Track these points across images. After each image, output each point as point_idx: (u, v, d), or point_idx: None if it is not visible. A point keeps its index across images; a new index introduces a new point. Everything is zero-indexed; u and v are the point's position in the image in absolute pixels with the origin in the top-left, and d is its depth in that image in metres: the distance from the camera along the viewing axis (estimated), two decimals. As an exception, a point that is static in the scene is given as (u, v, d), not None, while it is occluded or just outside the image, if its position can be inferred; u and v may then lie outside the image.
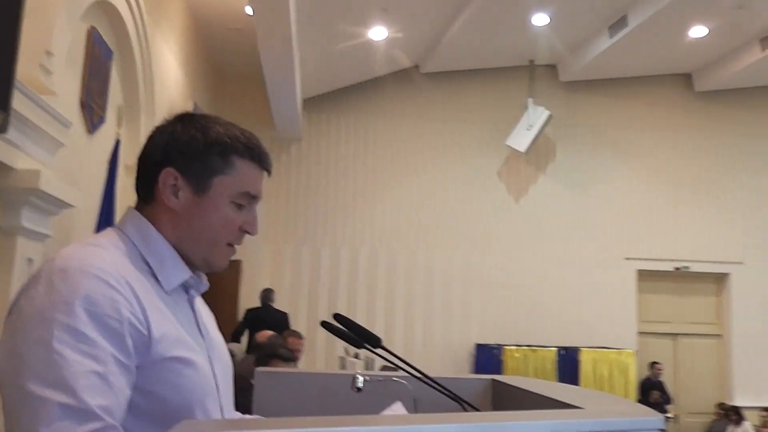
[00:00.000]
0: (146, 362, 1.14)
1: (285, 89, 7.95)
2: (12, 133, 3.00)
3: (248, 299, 9.14)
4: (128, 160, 5.29)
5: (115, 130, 4.90)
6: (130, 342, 1.12)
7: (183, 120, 1.34)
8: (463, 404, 1.32)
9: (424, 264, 10.21)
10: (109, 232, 1.30)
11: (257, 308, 8.43)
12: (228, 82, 9.68)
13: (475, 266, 10.27)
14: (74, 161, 4.24)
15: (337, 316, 1.51)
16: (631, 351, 10.01)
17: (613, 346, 10.09)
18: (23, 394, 1.04)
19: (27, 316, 1.10)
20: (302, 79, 8.63)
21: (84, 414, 1.03)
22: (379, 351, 1.37)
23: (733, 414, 9.81)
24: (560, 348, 9.87)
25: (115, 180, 4.47)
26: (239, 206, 1.32)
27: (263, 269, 9.69)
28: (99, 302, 1.10)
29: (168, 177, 1.28)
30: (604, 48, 9.55)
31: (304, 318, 9.69)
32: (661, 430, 0.85)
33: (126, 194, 5.07)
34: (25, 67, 3.16)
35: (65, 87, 3.95)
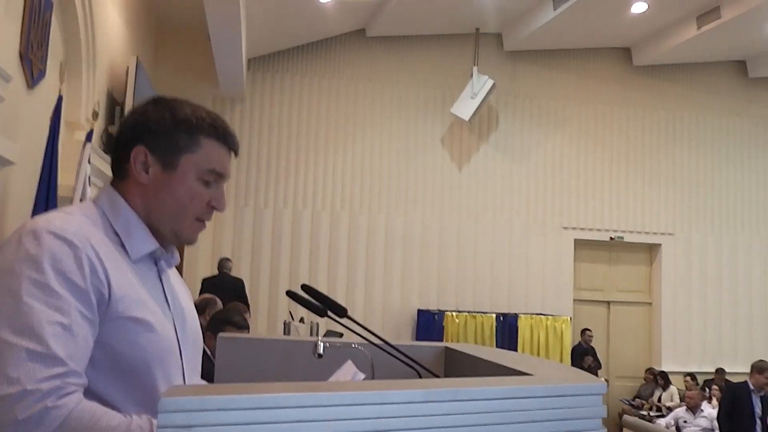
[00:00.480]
0: (105, 318, 1.23)
1: (230, 46, 7.81)
2: (-49, 87, 2.91)
3: (191, 261, 9.07)
4: (69, 116, 5.16)
5: (57, 85, 4.76)
6: (93, 298, 1.21)
7: (155, 102, 1.43)
8: (420, 370, 1.39)
9: (366, 227, 10.29)
10: (83, 204, 1.41)
11: (213, 277, 8.51)
12: (172, 38, 9.44)
13: (417, 231, 10.41)
14: (13, 116, 4.11)
15: (305, 287, 1.58)
16: (566, 318, 10.37)
17: (550, 312, 10.43)
18: None
19: None
20: (248, 37, 8.49)
21: (50, 359, 1.12)
22: (344, 321, 1.45)
23: (661, 379, 10.31)
24: (499, 314, 10.15)
25: (57, 136, 4.36)
26: (206, 183, 1.41)
27: (204, 232, 9.57)
28: (63, 260, 1.20)
29: (138, 153, 1.38)
30: (548, 19, 9.68)
31: (246, 280, 9.67)
32: (603, 394, 0.94)
33: (67, 150, 4.96)
34: (-36, 18, 3.05)
35: (3, 38, 3.82)
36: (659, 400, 10.07)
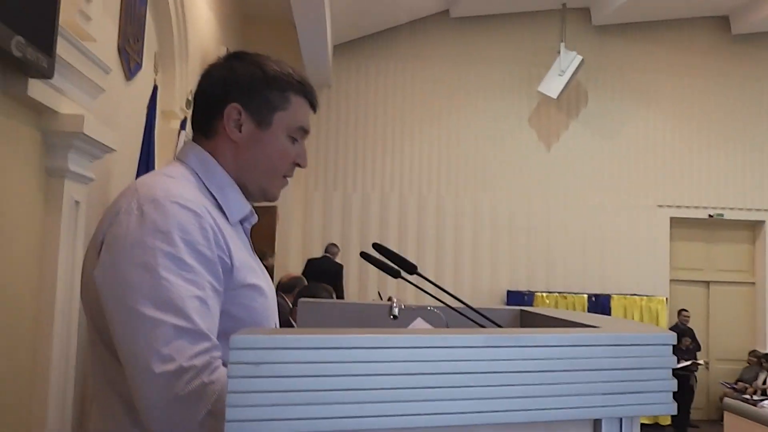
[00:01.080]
0: (228, 287, 1.23)
1: (316, 34, 7.94)
2: (56, 79, 3.09)
3: (280, 245, 9.30)
4: (164, 106, 5.40)
5: (152, 76, 4.99)
6: (219, 268, 1.21)
7: (239, 57, 1.41)
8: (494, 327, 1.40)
9: (454, 210, 10.26)
10: (175, 165, 1.38)
11: (317, 259, 8.84)
12: (259, 28, 9.67)
13: (505, 212, 10.30)
14: (113, 107, 4.34)
15: (376, 246, 1.61)
16: (662, 298, 10.05)
17: (645, 293, 10.13)
18: (137, 316, 1.10)
19: (126, 243, 1.16)
20: (332, 24, 8.59)
21: (196, 334, 1.11)
22: (415, 279, 1.47)
23: (765, 361, 9.85)
24: (591, 294, 9.94)
25: (153, 125, 4.58)
26: (293, 140, 1.42)
27: (294, 215, 9.82)
28: (191, 231, 1.18)
29: (232, 111, 1.36)
30: (639, -10, 9.33)
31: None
32: (673, 345, 0.93)
33: (162, 139, 5.20)
34: (65, 13, 3.23)
35: (103, 33, 4.02)
36: (764, 383, 9.62)
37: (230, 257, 1.24)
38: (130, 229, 1.17)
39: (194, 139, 1.42)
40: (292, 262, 9.06)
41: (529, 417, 0.84)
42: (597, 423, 0.90)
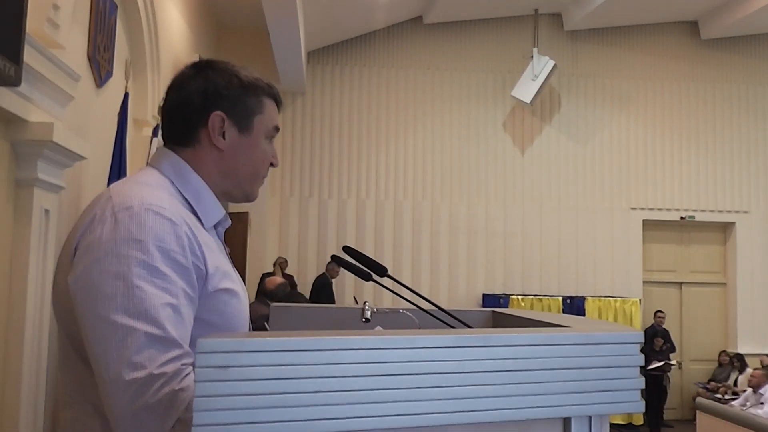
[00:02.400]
0: (203, 294, 1.23)
1: (289, 42, 7.92)
2: (24, 87, 3.06)
3: (255, 251, 9.27)
4: (136, 114, 5.35)
5: (123, 83, 4.95)
6: (194, 276, 1.21)
7: (210, 67, 1.42)
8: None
9: (430, 215, 10.29)
10: (149, 172, 1.37)
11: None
12: (231, 36, 9.64)
13: (480, 217, 10.35)
14: (83, 115, 4.30)
15: (346, 248, 1.61)
16: (635, 300, 10.15)
17: (619, 295, 10.24)
18: (110, 325, 1.10)
19: (100, 252, 1.16)
20: (306, 31, 8.59)
21: (167, 342, 1.11)
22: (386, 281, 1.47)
23: (737, 361, 9.99)
24: (566, 297, 10.02)
25: (125, 132, 4.54)
26: (269, 140, 1.45)
27: (270, 222, 9.79)
28: (166, 240, 1.18)
29: (216, 119, 1.38)
30: (609, -4, 9.44)
31: (313, 271, 9.84)
32: (640, 344, 0.93)
33: (134, 147, 5.15)
34: (33, 21, 3.20)
35: (72, 41, 3.99)
36: (735, 383, 9.76)
37: (205, 264, 1.24)
38: (104, 237, 1.17)
39: (169, 148, 1.42)
40: (267, 268, 9.02)
41: (499, 416, 0.84)
42: (567, 421, 0.90)
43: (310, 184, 10.19)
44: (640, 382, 0.91)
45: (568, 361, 0.88)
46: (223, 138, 1.38)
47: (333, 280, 9.22)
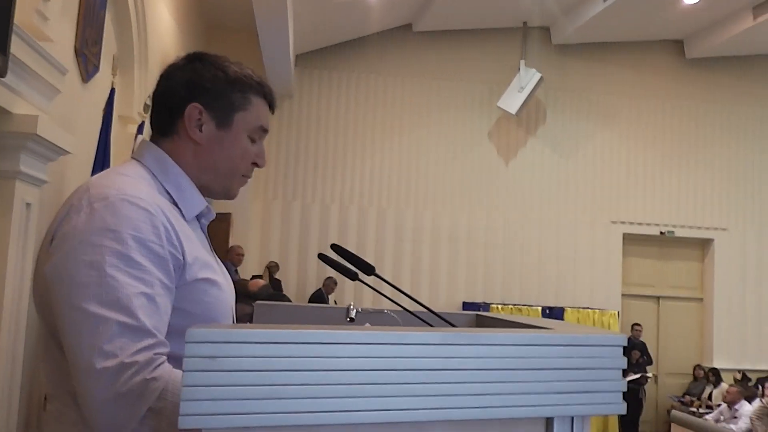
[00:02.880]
0: (180, 283, 1.23)
1: (278, 44, 7.92)
2: (10, 78, 3.03)
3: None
4: (121, 110, 5.31)
5: (109, 79, 4.92)
6: (171, 266, 1.20)
7: (200, 59, 1.42)
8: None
9: (413, 223, 10.31)
10: (131, 164, 1.37)
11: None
12: (221, 35, 9.62)
13: (463, 226, 10.39)
14: (69, 109, 4.26)
15: (334, 246, 1.61)
16: (614, 312, 10.23)
17: (598, 306, 10.31)
18: (82, 314, 1.10)
19: (75, 241, 1.16)
20: (295, 34, 8.59)
21: (140, 331, 1.11)
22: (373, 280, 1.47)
23: (712, 375, 10.09)
24: (545, 307, 10.07)
25: (110, 128, 4.51)
26: (253, 140, 1.43)
27: (253, 224, 9.76)
28: (142, 229, 1.18)
29: (194, 111, 1.37)
30: (597, 11, 9.54)
31: (294, 274, 9.82)
32: (623, 347, 0.95)
33: (119, 143, 5.11)
34: (22, 12, 3.17)
35: (61, 34, 3.96)
36: (710, 397, 9.85)
37: (183, 253, 1.23)
38: (79, 226, 1.17)
39: (152, 139, 1.42)
40: (251, 270, 8.99)
41: (483, 414, 0.85)
42: (549, 421, 0.91)
43: (293, 187, 10.17)
44: (623, 385, 0.92)
45: (552, 361, 0.89)
46: (200, 131, 1.37)
47: (330, 296, 9.19)
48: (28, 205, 3.41)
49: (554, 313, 10.02)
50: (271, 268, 9.23)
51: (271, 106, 1.47)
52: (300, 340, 0.77)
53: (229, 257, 8.17)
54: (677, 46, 11.16)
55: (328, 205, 10.19)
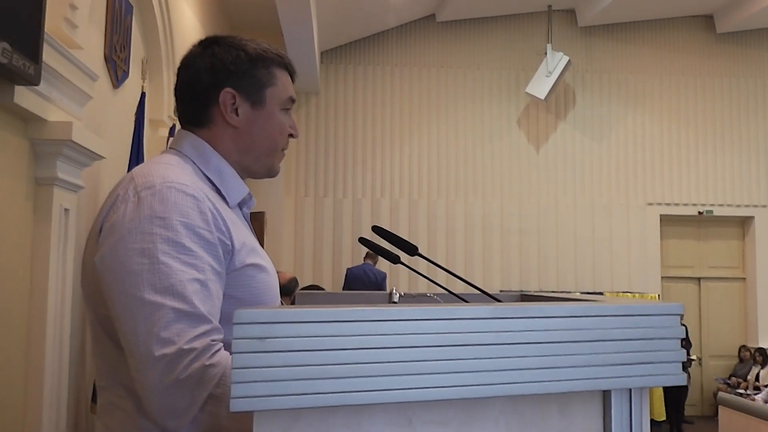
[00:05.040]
0: (230, 269, 1.22)
1: (303, 42, 7.93)
2: (43, 86, 3.07)
3: (271, 251, 9.28)
4: (152, 114, 5.36)
5: (139, 84, 4.97)
6: (220, 251, 1.20)
7: (216, 43, 1.41)
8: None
9: (445, 213, 10.27)
10: (170, 153, 1.37)
11: (357, 267, 8.96)
12: (245, 35, 9.56)
13: (496, 214, 10.31)
14: (100, 114, 4.31)
15: (376, 228, 1.61)
16: (653, 295, 10.07)
17: (637, 290, 10.16)
18: (137, 301, 1.10)
19: (124, 230, 1.16)
20: (319, 30, 8.60)
21: (196, 317, 1.11)
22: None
23: (759, 356, 9.88)
24: (583, 293, 9.95)
25: (142, 132, 4.55)
26: (285, 111, 1.42)
27: (286, 222, 9.80)
28: (191, 215, 1.18)
29: (227, 96, 1.36)
30: (623, -10, 9.38)
31: (329, 269, 9.84)
32: (681, 315, 0.92)
33: (150, 147, 5.17)
34: (51, 21, 3.22)
35: (89, 41, 4.01)
36: (757, 378, 9.66)
37: (231, 239, 1.23)
38: (128, 216, 1.17)
39: (187, 129, 1.41)
40: (283, 267, 9.04)
41: (538, 389, 0.83)
42: (606, 394, 0.89)
43: (324, 183, 10.19)
44: (682, 354, 0.89)
45: (607, 332, 0.86)
46: (236, 114, 1.36)
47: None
48: (66, 210, 3.46)
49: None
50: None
51: (292, 76, 1.46)
52: (349, 318, 0.75)
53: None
54: (707, 21, 10.93)
55: (360, 200, 10.19)
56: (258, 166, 1.41)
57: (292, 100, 1.44)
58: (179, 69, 1.42)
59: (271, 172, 1.45)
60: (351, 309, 0.76)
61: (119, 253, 1.14)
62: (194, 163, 1.34)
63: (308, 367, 0.74)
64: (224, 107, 1.36)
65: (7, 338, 3.02)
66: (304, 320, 0.74)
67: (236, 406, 0.72)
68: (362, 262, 8.91)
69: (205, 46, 1.41)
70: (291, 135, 1.44)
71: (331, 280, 9.78)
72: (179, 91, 1.42)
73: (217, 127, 1.37)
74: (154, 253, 1.12)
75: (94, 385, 3.84)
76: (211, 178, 1.34)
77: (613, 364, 0.86)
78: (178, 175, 1.23)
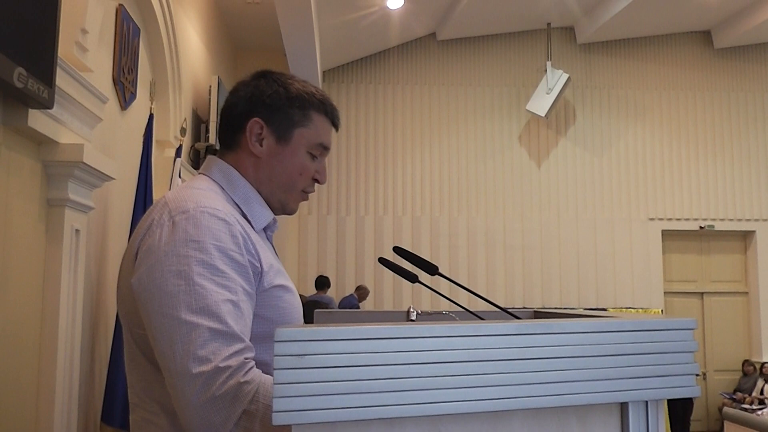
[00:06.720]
0: (259, 290, 1.28)
1: (305, 61, 8.01)
2: (55, 109, 3.13)
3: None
4: (158, 135, 5.43)
5: (147, 105, 5.03)
6: (250, 273, 1.25)
7: (265, 76, 1.47)
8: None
9: (448, 230, 10.31)
10: (200, 178, 1.42)
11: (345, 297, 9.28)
12: (249, 57, 9.75)
13: (499, 231, 10.35)
14: (109, 136, 4.37)
15: (397, 249, 1.65)
16: (657, 310, 10.09)
17: (640, 306, 10.18)
18: (174, 321, 1.15)
19: (160, 253, 1.21)
20: (321, 50, 8.68)
21: (230, 336, 1.15)
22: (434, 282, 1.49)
23: (765, 369, 9.88)
24: (587, 309, 9.97)
25: (150, 152, 4.61)
26: (313, 157, 1.46)
27: (290, 240, 9.84)
28: (223, 239, 1.23)
29: (254, 126, 1.42)
30: (621, 8, 9.48)
31: (333, 286, 9.85)
32: (693, 330, 0.96)
33: (158, 167, 5.22)
34: (63, 45, 3.28)
35: (99, 64, 4.07)
36: (762, 392, 9.65)
37: (260, 261, 1.28)
38: (164, 239, 1.22)
39: (218, 153, 1.48)
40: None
41: (559, 402, 0.87)
42: (624, 406, 0.93)
43: (328, 201, 10.25)
44: (695, 368, 0.93)
45: (624, 347, 0.90)
46: (260, 145, 1.41)
47: (361, 304, 9.17)
48: (77, 231, 3.51)
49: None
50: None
51: (335, 124, 1.50)
52: (383, 335, 0.80)
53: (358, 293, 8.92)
54: (705, 36, 11.04)
55: (363, 217, 10.24)
56: (273, 199, 1.45)
57: (324, 147, 1.47)
58: (229, 93, 1.49)
59: (285, 209, 1.49)
60: (385, 327, 0.80)
61: (156, 275, 1.19)
62: (222, 188, 1.40)
63: (344, 382, 0.78)
64: (249, 134, 1.42)
65: (19, 356, 3.06)
66: (340, 338, 0.78)
67: (278, 419, 0.76)
68: (315, 293, 9.05)
69: (255, 77, 1.48)
70: (316, 180, 1.48)
71: (336, 298, 9.79)
72: (221, 113, 1.50)
73: (243, 153, 1.43)
74: (190, 275, 1.17)
75: (103, 404, 3.86)
76: (238, 202, 1.39)
77: (630, 377, 0.90)
78: (210, 200, 1.29)
